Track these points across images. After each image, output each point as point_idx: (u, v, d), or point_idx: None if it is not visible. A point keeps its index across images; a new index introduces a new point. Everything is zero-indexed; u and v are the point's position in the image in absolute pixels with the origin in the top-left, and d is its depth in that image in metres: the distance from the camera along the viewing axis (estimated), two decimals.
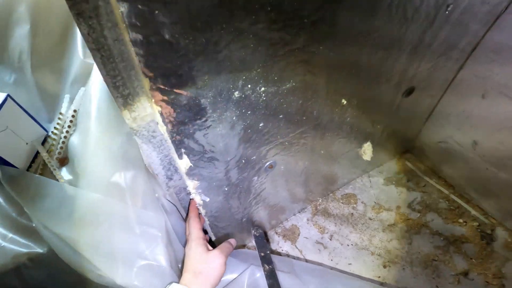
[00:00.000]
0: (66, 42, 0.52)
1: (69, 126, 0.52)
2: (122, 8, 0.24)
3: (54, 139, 0.52)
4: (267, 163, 0.48)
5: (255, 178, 0.50)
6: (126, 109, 0.32)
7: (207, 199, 0.45)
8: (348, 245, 0.68)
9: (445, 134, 0.68)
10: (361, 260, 0.65)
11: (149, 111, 0.33)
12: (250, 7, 0.29)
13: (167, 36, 0.27)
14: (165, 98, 0.31)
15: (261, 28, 0.31)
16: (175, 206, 0.49)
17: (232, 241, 0.57)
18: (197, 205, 0.47)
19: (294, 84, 0.39)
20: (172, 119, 0.33)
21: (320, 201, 0.76)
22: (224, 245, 0.54)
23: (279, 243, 0.70)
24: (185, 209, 0.50)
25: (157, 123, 0.34)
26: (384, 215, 0.71)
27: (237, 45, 0.31)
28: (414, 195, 0.74)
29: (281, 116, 0.42)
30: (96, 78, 0.46)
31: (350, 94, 0.48)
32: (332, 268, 0.63)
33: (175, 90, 0.31)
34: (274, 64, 0.35)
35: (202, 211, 0.48)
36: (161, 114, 0.32)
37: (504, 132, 0.56)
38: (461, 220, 0.67)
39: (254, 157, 0.45)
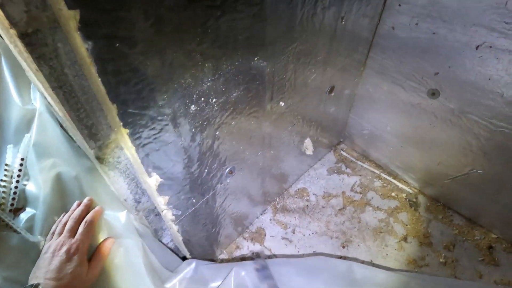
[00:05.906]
0: None
1: (18, 176, 0.49)
2: (87, 45, 0.27)
3: (4, 192, 0.49)
4: (227, 169, 0.53)
5: (219, 185, 0.54)
6: (91, 139, 0.33)
7: (179, 213, 0.47)
8: (309, 234, 0.75)
9: (365, 122, 0.81)
10: (323, 245, 0.72)
11: (113, 137, 0.35)
12: (194, 31, 0.34)
13: (129, 63, 0.30)
14: (130, 120, 0.34)
15: (206, 47, 0.36)
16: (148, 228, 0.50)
17: None
18: (169, 221, 0.48)
19: (239, 92, 0.45)
20: (137, 139, 0.36)
21: (277, 200, 0.82)
22: None
23: (248, 247, 0.74)
24: (156, 231, 0.51)
25: (122, 148, 0.36)
26: (333, 201, 0.80)
27: (188, 64, 0.35)
28: (354, 179, 0.85)
29: (233, 123, 0.47)
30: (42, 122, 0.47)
31: (286, 97, 0.56)
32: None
33: (139, 112, 0.34)
34: (220, 77, 0.40)
35: (175, 228, 0.50)
36: (129, 136, 0.34)
37: (403, 114, 0.69)
38: (393, 194, 0.80)
39: (215, 165, 0.49)
